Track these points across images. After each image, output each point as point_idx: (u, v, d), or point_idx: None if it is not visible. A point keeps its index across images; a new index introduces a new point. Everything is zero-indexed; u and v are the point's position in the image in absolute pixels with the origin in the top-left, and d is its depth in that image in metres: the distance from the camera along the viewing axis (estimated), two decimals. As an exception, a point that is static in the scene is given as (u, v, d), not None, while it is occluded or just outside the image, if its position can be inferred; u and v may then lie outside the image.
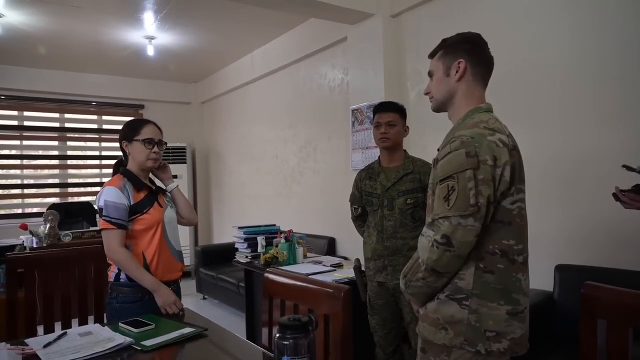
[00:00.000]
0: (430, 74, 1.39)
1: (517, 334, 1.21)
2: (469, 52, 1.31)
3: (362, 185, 2.37)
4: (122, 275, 1.80)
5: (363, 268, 2.35)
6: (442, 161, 1.22)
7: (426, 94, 1.41)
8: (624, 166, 1.59)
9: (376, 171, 2.33)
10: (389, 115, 2.25)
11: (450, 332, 1.22)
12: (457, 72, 1.30)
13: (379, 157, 2.38)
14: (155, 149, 1.89)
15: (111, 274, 1.84)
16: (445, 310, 1.23)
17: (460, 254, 1.18)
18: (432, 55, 1.39)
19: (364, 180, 2.36)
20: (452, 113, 1.35)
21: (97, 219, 1.81)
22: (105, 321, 1.86)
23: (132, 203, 1.80)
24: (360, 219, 2.45)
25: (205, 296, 5.05)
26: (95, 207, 1.89)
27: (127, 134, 1.89)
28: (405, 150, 2.34)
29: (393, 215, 2.21)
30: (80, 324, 1.88)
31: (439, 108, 1.39)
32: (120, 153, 1.96)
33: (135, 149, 1.87)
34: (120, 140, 1.91)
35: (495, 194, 1.18)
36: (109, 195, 1.77)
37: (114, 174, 1.91)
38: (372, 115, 2.38)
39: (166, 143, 1.95)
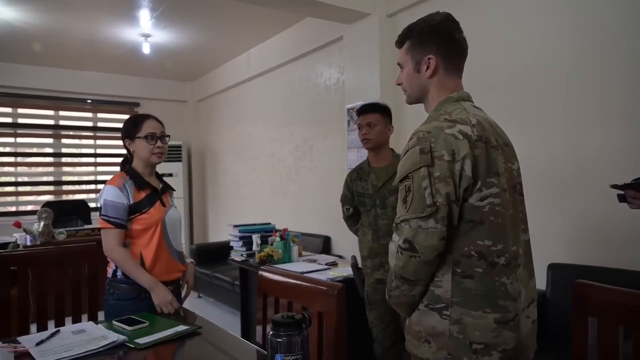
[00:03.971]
0: (399, 65, 1.29)
1: (510, 344, 1.08)
2: (438, 45, 1.20)
3: (353, 186, 2.39)
4: (119, 272, 1.81)
5: (360, 265, 2.36)
6: (401, 161, 1.14)
7: (398, 84, 1.32)
8: (612, 186, 1.59)
9: (366, 171, 2.36)
10: (369, 116, 2.29)
11: (433, 346, 1.11)
12: (427, 68, 1.21)
13: (367, 157, 2.41)
14: (159, 143, 1.86)
15: (109, 270, 1.84)
16: (427, 322, 1.12)
17: (425, 259, 1.07)
18: (399, 45, 1.28)
19: (355, 181, 2.39)
20: (428, 107, 1.27)
21: (97, 217, 1.82)
22: (99, 319, 1.85)
23: (131, 202, 1.80)
24: (351, 219, 2.48)
25: (201, 294, 5.04)
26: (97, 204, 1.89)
27: (129, 132, 1.88)
28: (392, 149, 2.38)
29: (386, 213, 2.24)
30: (74, 322, 1.87)
31: (413, 102, 1.31)
32: (125, 151, 1.94)
33: (139, 146, 1.86)
34: (123, 139, 1.90)
35: (457, 191, 1.07)
36: (109, 194, 1.78)
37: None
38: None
39: (169, 136, 1.93)
